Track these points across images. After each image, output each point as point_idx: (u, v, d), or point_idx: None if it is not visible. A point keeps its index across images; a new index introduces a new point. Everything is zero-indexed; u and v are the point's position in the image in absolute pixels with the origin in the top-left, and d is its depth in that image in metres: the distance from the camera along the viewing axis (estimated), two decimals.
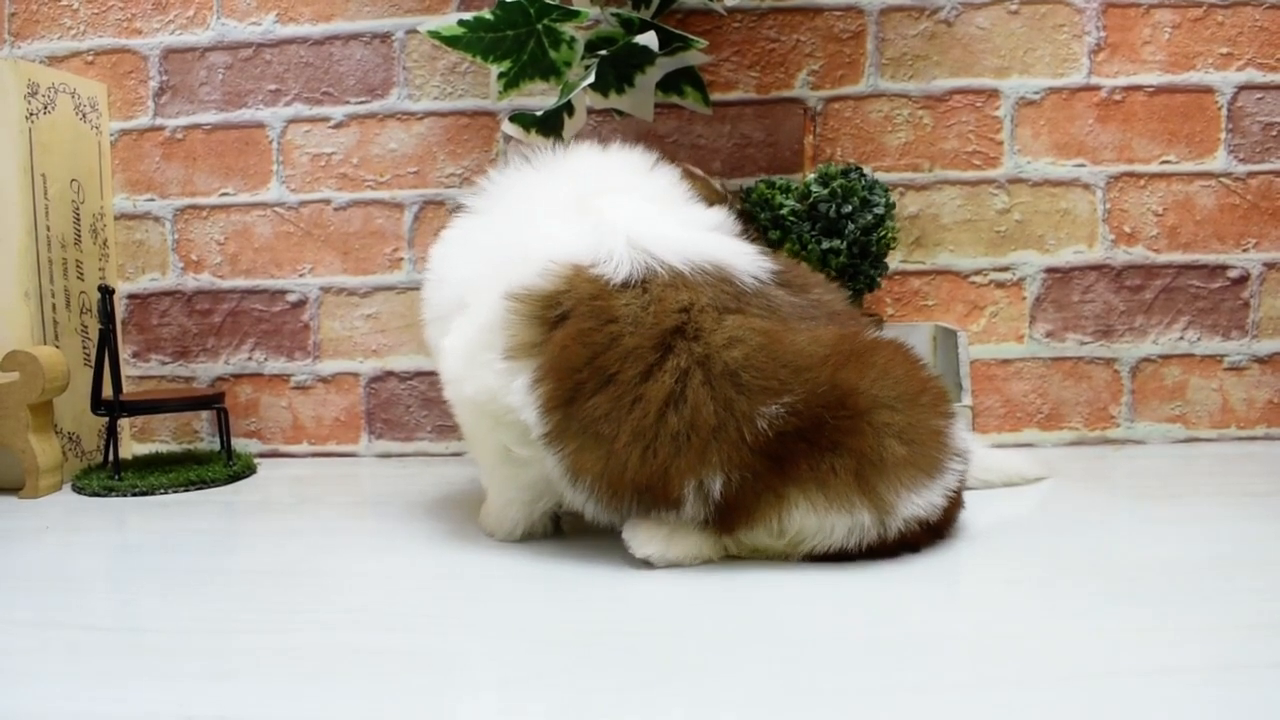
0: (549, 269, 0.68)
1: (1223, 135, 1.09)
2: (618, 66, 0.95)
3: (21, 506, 0.95)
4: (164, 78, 1.17)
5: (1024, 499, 0.88)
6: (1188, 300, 1.11)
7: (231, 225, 1.17)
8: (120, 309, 1.19)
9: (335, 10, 1.14)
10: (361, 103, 1.15)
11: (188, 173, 1.17)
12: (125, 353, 1.19)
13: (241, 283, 1.18)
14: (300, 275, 1.17)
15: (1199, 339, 1.11)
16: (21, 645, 0.57)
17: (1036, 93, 1.10)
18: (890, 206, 0.95)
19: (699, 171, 0.88)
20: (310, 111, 1.16)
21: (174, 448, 1.18)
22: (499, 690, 0.50)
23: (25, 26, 1.17)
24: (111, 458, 1.03)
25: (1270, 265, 1.10)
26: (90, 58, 1.17)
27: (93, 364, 1.08)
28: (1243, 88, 1.09)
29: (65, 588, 0.69)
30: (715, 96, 1.10)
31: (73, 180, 1.09)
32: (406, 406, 1.17)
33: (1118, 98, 1.10)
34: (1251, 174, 1.09)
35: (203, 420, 1.20)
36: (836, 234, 0.92)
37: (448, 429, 1.15)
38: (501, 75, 0.96)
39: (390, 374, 1.17)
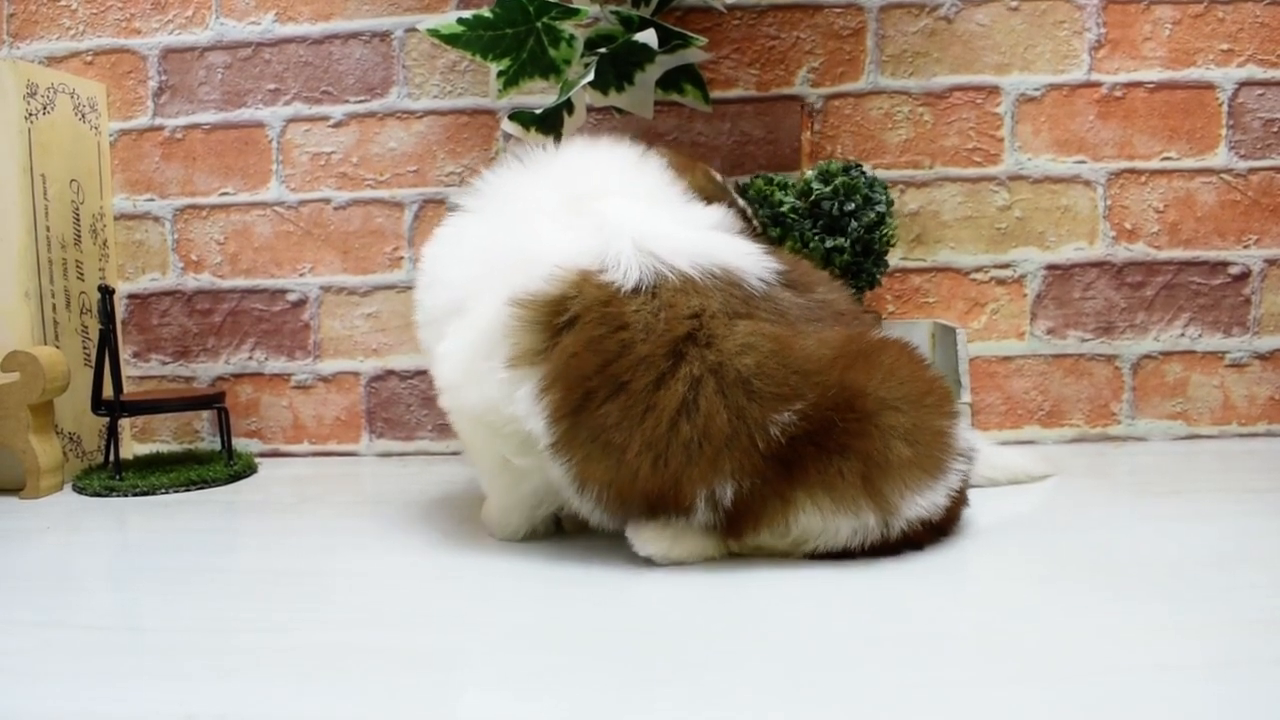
0: (554, 274, 0.66)
1: (1223, 131, 1.09)
2: (617, 64, 0.95)
3: (22, 507, 0.95)
4: (163, 77, 1.17)
5: (1026, 496, 0.88)
6: (1189, 297, 1.10)
7: (231, 225, 1.17)
8: (120, 309, 1.19)
9: (334, 9, 1.14)
10: (361, 102, 1.15)
11: (187, 172, 1.17)
12: (125, 353, 1.19)
13: (241, 282, 1.18)
14: (300, 275, 1.17)
15: (1200, 336, 1.10)
16: (22, 645, 0.57)
17: (1037, 89, 1.10)
18: (890, 204, 0.95)
19: (703, 166, 0.88)
20: (310, 111, 1.15)
21: (175, 448, 1.18)
22: (499, 690, 0.50)
23: (24, 27, 1.17)
24: (112, 458, 1.03)
25: (1271, 261, 1.10)
26: (89, 58, 1.17)
27: (93, 364, 1.08)
28: (1243, 84, 1.08)
29: (66, 588, 0.69)
30: (715, 94, 1.10)
31: (72, 180, 1.09)
32: (407, 405, 1.17)
33: (1118, 94, 1.09)
34: (1252, 170, 1.09)
35: (203, 420, 1.20)
36: (839, 232, 0.92)
37: (448, 428, 1.14)
38: (501, 73, 0.96)
39: (391, 373, 1.17)
